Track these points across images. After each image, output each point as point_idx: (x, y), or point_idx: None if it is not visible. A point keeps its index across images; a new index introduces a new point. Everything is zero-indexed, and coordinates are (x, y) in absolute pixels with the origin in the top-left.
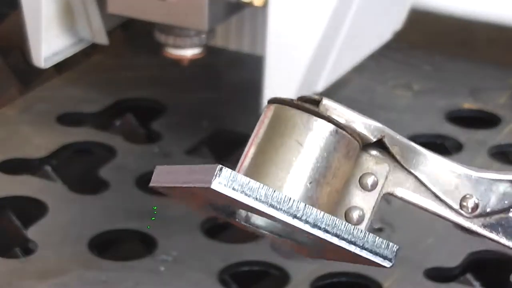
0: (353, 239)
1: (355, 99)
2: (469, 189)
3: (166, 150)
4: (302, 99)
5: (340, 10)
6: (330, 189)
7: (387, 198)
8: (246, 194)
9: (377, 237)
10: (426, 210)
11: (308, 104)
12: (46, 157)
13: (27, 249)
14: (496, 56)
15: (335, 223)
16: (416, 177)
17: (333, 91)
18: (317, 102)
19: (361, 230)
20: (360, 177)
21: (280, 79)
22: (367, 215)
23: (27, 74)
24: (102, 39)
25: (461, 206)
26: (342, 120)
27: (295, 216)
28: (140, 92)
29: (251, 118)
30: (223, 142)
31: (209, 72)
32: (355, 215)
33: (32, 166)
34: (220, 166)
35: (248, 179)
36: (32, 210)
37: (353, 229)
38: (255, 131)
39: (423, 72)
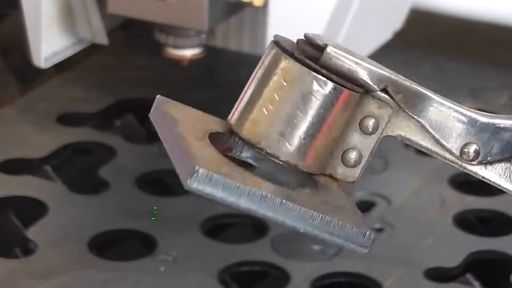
0: (330, 230)
1: None
2: (472, 136)
3: (166, 150)
4: (307, 40)
5: (340, 10)
6: (325, 140)
7: (387, 198)
8: (223, 192)
9: (354, 228)
10: (425, 150)
11: (311, 50)
12: (46, 157)
13: (27, 249)
14: (496, 56)
15: (314, 218)
16: (418, 122)
17: None
18: (321, 49)
19: (338, 222)
20: (361, 120)
21: None
22: (365, 157)
23: (27, 74)
24: (102, 39)
25: (462, 153)
26: (346, 68)
27: (275, 212)
28: (140, 92)
29: None
30: None
31: (209, 72)
32: (352, 156)
33: (32, 166)
34: (197, 168)
35: (225, 179)
36: (32, 210)
37: (331, 221)
38: (255, 71)
39: (423, 72)
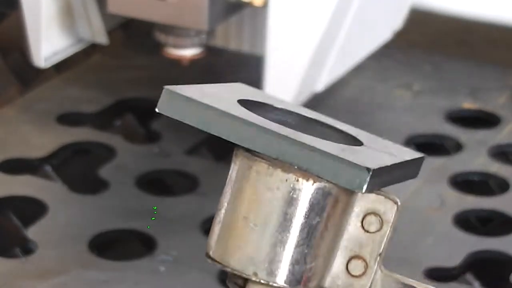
0: None
1: (355, 99)
2: None
3: (166, 150)
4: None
5: (340, 10)
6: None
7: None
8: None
9: None
10: None
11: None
12: (46, 157)
13: (27, 249)
14: (496, 56)
15: None
16: None
17: (333, 91)
18: None
19: None
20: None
21: (280, 79)
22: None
23: (27, 74)
24: (102, 39)
25: None
26: None
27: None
28: (140, 92)
29: None
30: (223, 142)
31: (209, 72)
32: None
33: (32, 166)
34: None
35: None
36: (32, 210)
37: None
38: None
39: (423, 72)
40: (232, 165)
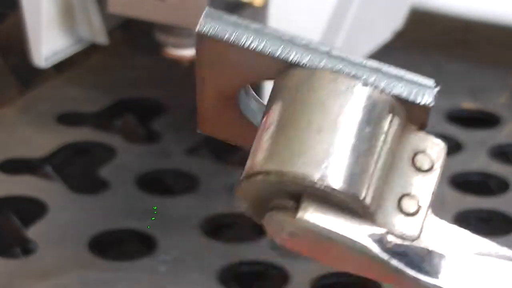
0: None
1: None
2: None
3: (166, 150)
4: None
5: (340, 10)
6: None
7: None
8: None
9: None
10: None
11: None
12: (46, 157)
13: (27, 249)
14: (496, 56)
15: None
16: None
17: None
18: None
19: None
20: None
21: None
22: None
23: (27, 74)
24: (102, 39)
25: None
26: None
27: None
28: (140, 92)
29: None
30: (223, 142)
31: None
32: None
33: (32, 166)
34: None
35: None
36: (32, 210)
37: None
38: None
39: (423, 72)
40: (276, 86)
